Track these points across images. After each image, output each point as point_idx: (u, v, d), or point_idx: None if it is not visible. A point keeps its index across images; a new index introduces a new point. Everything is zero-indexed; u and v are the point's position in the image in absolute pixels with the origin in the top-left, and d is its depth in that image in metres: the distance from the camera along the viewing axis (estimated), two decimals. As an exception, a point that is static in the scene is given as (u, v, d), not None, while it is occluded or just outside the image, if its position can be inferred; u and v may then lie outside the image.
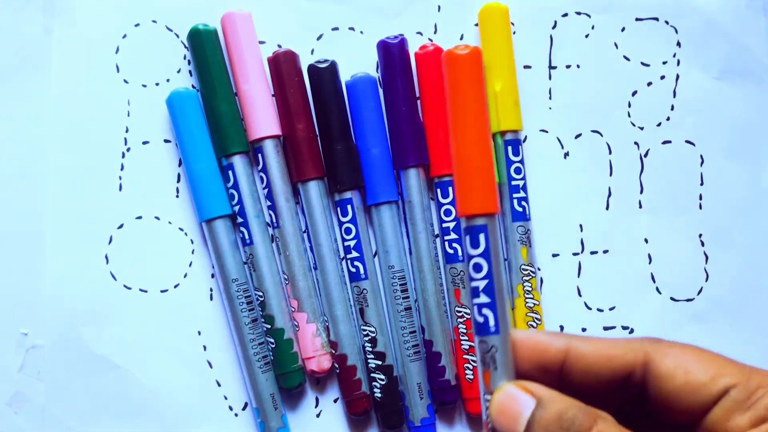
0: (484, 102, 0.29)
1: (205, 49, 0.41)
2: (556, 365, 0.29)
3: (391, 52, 0.42)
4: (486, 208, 0.29)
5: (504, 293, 0.30)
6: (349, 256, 0.42)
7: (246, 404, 0.42)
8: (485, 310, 0.30)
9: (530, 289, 0.42)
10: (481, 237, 0.30)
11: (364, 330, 0.41)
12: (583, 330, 0.43)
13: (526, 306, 0.42)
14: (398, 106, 0.42)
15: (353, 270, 0.41)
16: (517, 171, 0.42)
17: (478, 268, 0.30)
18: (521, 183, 0.42)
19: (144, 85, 0.43)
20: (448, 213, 0.42)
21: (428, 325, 0.42)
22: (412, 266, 0.42)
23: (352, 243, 0.41)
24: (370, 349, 0.41)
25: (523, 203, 0.42)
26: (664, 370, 0.28)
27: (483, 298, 0.30)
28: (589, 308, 0.44)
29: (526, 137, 0.44)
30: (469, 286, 0.30)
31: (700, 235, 0.44)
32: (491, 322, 0.29)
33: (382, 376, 0.41)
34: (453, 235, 0.42)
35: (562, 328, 0.43)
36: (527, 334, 0.29)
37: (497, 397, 0.27)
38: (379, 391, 0.41)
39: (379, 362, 0.41)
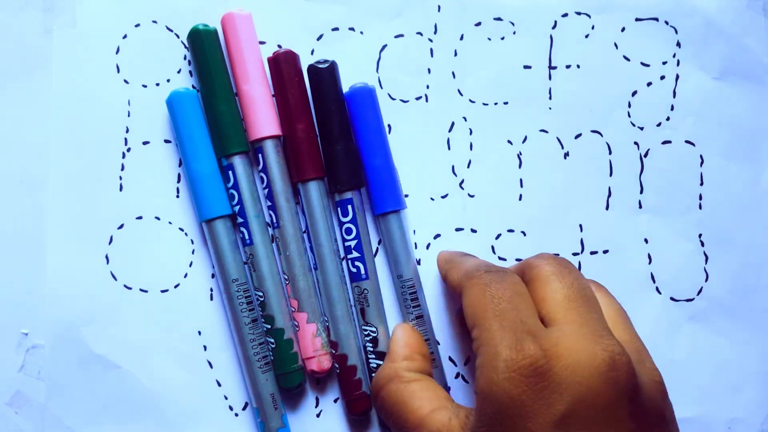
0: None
1: (205, 49, 0.41)
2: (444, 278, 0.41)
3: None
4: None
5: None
6: (350, 256, 0.42)
7: (246, 404, 0.42)
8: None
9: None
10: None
11: (366, 330, 0.41)
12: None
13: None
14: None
15: (354, 270, 0.41)
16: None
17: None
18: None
19: (144, 86, 0.43)
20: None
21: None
22: None
23: (352, 243, 0.41)
24: (371, 349, 0.41)
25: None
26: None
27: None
28: (589, 308, 0.44)
29: (526, 137, 0.44)
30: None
31: (700, 235, 0.44)
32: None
33: (383, 376, 0.41)
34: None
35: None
36: (440, 256, 0.42)
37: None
38: (379, 391, 0.41)
39: (381, 362, 0.41)
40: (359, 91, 0.41)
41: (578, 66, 0.44)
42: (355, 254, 0.41)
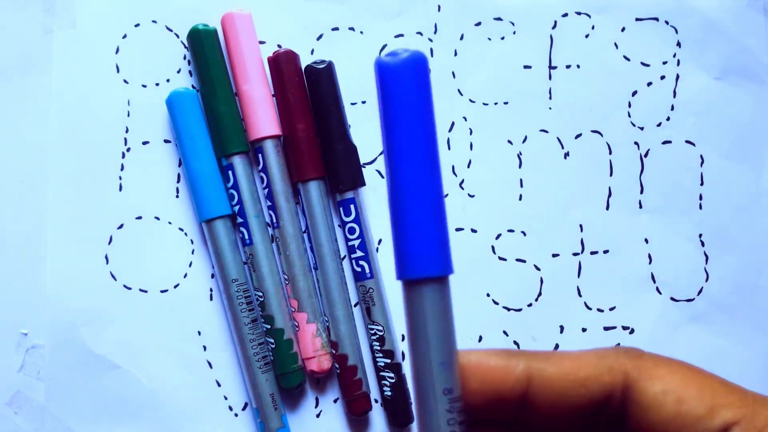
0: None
1: (205, 49, 0.41)
2: (516, 395, 0.24)
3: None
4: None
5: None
6: (353, 255, 0.42)
7: (246, 404, 0.42)
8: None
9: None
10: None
11: (372, 329, 0.41)
12: (584, 330, 0.43)
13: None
14: None
15: (358, 269, 0.41)
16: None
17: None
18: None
19: (144, 85, 0.43)
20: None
21: None
22: None
23: (356, 242, 0.41)
24: (378, 348, 0.41)
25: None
26: (650, 397, 0.23)
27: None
28: (589, 308, 0.44)
29: (526, 137, 0.44)
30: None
31: (700, 235, 0.44)
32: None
33: (392, 374, 0.41)
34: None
35: (562, 328, 0.43)
36: (476, 358, 0.24)
37: None
38: (388, 389, 0.41)
39: (388, 360, 0.41)
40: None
41: (578, 66, 0.44)
42: (359, 253, 0.41)
